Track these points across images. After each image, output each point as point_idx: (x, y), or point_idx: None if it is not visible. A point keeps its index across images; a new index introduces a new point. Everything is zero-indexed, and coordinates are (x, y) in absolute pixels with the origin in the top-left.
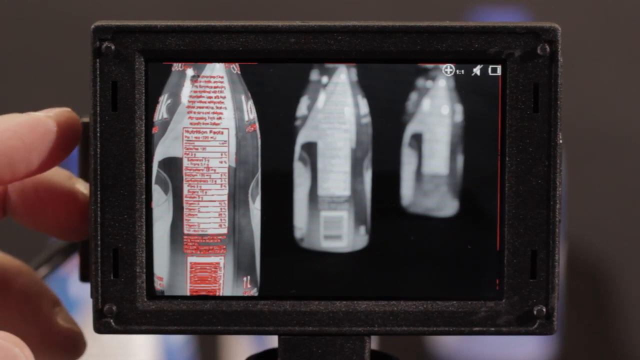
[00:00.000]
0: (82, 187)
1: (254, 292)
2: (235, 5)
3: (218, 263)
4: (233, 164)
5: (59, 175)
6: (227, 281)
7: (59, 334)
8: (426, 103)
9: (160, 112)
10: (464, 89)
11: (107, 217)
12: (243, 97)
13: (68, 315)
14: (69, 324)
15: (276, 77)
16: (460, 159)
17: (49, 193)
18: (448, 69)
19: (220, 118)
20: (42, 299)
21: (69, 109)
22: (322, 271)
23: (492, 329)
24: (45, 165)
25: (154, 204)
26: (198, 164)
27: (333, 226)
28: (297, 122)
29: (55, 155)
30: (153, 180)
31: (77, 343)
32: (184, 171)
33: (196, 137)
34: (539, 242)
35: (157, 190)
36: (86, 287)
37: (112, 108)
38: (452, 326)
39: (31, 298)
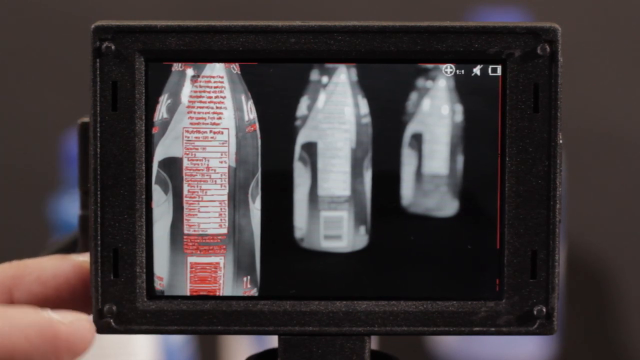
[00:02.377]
0: (81, 257)
1: (254, 292)
2: (235, 5)
3: (218, 263)
4: (233, 164)
5: (65, 264)
6: (227, 281)
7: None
8: (426, 103)
9: (160, 112)
10: (464, 89)
11: (107, 217)
12: (243, 97)
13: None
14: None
15: (276, 77)
16: (460, 159)
17: (58, 288)
18: (448, 69)
19: (220, 118)
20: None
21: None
22: (322, 271)
23: (492, 329)
24: None
25: (154, 204)
26: (198, 164)
27: (333, 226)
28: (297, 122)
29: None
30: (153, 180)
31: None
32: (184, 171)
33: (196, 137)
34: (539, 242)
35: (157, 190)
36: None
37: (112, 108)
38: (452, 326)
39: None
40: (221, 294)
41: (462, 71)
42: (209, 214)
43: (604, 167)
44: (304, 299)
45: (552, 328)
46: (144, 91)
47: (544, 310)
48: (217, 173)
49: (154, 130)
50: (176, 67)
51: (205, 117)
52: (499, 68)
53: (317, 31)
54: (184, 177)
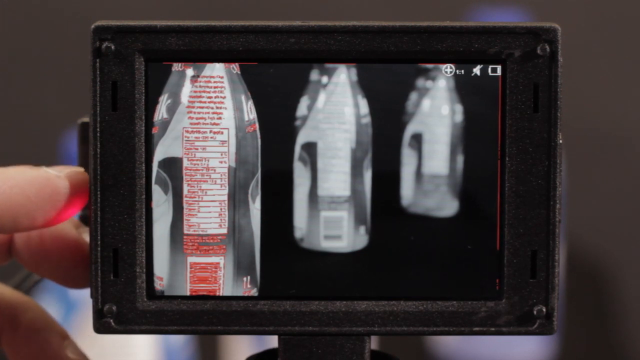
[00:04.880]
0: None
1: (254, 292)
2: (235, 5)
3: (218, 263)
4: (233, 164)
5: (67, 223)
6: (227, 281)
7: None
8: (426, 103)
9: (160, 112)
10: (464, 89)
11: (107, 217)
12: (243, 97)
13: (77, 348)
14: (79, 357)
15: (276, 77)
16: (460, 159)
17: (54, 241)
18: (448, 69)
19: (220, 118)
20: (50, 334)
21: (81, 170)
22: (322, 271)
23: (492, 329)
24: (50, 222)
25: (154, 204)
26: (198, 164)
27: (333, 226)
28: (297, 122)
29: (61, 215)
30: (153, 180)
31: None
32: (184, 171)
33: (196, 137)
34: (539, 242)
35: (157, 190)
36: (86, 288)
37: (112, 108)
38: (452, 326)
39: (39, 333)
40: (221, 294)
41: (462, 71)
42: (209, 214)
43: (604, 167)
44: (304, 299)
45: (552, 328)
46: (144, 91)
47: (544, 310)
48: (217, 173)
49: (154, 130)
50: (176, 67)
51: (205, 117)
52: (499, 68)
53: (317, 31)
54: (184, 177)
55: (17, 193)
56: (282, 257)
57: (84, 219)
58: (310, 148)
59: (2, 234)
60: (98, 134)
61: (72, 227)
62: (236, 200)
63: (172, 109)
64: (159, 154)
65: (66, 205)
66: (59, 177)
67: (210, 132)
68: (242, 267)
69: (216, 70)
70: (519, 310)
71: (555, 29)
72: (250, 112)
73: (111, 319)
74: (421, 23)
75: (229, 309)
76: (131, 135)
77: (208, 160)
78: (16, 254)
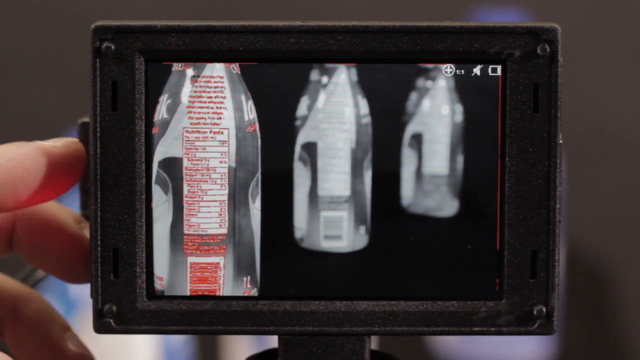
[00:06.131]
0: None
1: (254, 292)
2: (235, 5)
3: (218, 263)
4: (233, 164)
5: (68, 217)
6: (227, 281)
7: None
8: (426, 103)
9: (160, 112)
10: (464, 89)
11: (107, 217)
12: (243, 97)
13: (79, 341)
14: (80, 349)
15: (276, 77)
16: (460, 159)
17: (55, 234)
18: (448, 69)
19: (220, 118)
20: (52, 325)
21: (75, 140)
22: (322, 271)
23: (492, 329)
24: (50, 194)
25: (154, 204)
26: (198, 164)
27: (333, 226)
28: (297, 122)
29: (60, 186)
30: (153, 180)
31: None
32: (184, 171)
33: (196, 137)
34: (539, 242)
35: (157, 190)
36: (86, 287)
37: (112, 108)
38: (452, 326)
39: (41, 324)
40: (221, 294)
41: (462, 71)
42: (209, 214)
43: (604, 167)
44: (304, 299)
45: (552, 328)
46: (144, 91)
47: (544, 310)
48: (217, 173)
49: (154, 130)
50: (176, 67)
51: (205, 117)
52: (499, 68)
53: (317, 31)
54: (184, 177)
55: (14, 167)
56: (282, 257)
57: (84, 219)
58: (310, 148)
59: (5, 221)
60: (98, 134)
61: (73, 222)
62: (236, 200)
63: (172, 109)
64: (159, 154)
65: (64, 175)
66: (54, 147)
67: (210, 132)
68: (242, 267)
69: (216, 70)
70: (519, 310)
71: (555, 29)
72: (250, 112)
73: (111, 319)
74: (421, 23)
75: (229, 309)
76: (131, 135)
77: (208, 160)
78: (17, 245)
